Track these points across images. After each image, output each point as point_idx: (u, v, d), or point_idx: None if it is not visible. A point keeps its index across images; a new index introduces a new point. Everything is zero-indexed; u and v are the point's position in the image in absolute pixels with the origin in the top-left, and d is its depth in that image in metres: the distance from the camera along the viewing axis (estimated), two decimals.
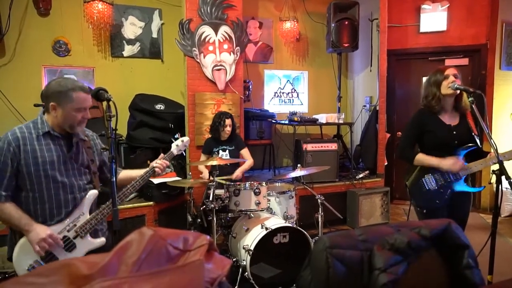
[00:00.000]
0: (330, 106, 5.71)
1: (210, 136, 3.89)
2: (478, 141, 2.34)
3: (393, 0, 4.93)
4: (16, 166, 1.79)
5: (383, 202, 4.62)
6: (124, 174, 2.19)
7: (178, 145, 2.33)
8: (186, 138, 2.37)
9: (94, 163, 2.04)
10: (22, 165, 1.79)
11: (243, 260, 2.80)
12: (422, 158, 2.45)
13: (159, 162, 2.15)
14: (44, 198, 1.83)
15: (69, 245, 1.86)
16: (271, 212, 3.20)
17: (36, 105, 3.65)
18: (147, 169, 2.12)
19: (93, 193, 1.98)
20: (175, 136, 2.42)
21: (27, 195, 1.82)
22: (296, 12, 5.56)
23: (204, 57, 4.17)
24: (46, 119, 1.88)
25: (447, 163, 2.32)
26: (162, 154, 2.22)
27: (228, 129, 3.71)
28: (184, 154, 2.44)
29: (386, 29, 4.81)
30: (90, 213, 1.95)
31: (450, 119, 2.43)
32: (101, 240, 1.97)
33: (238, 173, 3.64)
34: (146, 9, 4.85)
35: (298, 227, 2.91)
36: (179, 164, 4.17)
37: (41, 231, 1.77)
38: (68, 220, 1.88)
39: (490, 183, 2.92)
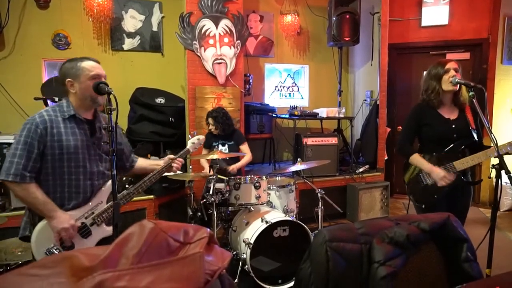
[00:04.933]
0: (330, 100, 5.70)
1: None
2: (475, 135, 2.33)
3: None
4: (42, 149, 1.79)
5: (383, 196, 4.63)
6: (140, 163, 2.24)
7: (194, 142, 2.41)
8: (201, 137, 2.45)
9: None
10: (48, 147, 1.79)
11: (243, 254, 2.81)
12: (416, 159, 2.44)
13: (178, 160, 2.18)
14: (65, 182, 1.84)
15: (85, 232, 1.89)
16: (271, 206, 3.21)
17: (36, 99, 3.64)
18: (164, 163, 2.15)
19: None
20: (193, 133, 2.51)
21: (47, 178, 1.82)
22: (297, 6, 5.52)
23: (205, 50, 4.15)
24: (71, 101, 1.89)
25: (437, 176, 2.32)
26: (171, 156, 2.21)
27: (213, 128, 3.71)
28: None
29: (388, 23, 4.78)
30: (107, 203, 1.97)
31: (449, 113, 2.42)
32: None
33: (234, 166, 3.64)
34: (146, 2, 4.82)
35: (298, 221, 2.92)
36: None
37: (64, 220, 1.78)
38: (87, 207, 1.91)
39: (489, 177, 2.92)
